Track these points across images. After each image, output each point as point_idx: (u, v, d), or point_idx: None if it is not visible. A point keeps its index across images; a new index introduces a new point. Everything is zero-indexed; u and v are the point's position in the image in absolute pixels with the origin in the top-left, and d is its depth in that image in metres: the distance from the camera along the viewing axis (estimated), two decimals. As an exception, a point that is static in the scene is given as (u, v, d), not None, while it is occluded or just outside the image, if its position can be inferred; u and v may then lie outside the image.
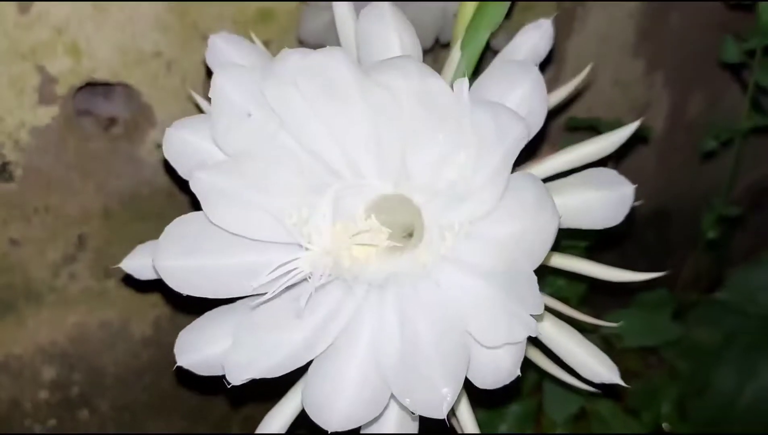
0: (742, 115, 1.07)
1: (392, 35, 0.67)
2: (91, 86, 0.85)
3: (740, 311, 1.07)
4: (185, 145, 0.67)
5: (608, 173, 0.68)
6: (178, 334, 0.94)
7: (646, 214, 1.39)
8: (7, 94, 0.78)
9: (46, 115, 0.81)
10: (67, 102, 0.82)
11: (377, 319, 0.67)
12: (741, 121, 1.06)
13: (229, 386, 0.64)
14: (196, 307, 0.69)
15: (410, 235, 0.70)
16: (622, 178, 0.68)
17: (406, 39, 0.67)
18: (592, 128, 1.09)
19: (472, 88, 0.63)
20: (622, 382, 0.69)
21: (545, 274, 0.95)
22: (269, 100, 0.64)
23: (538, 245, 0.60)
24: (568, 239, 0.94)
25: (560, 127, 1.20)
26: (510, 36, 0.94)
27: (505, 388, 0.62)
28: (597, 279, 1.07)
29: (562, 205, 0.64)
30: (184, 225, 0.66)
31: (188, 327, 0.68)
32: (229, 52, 0.70)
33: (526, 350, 0.74)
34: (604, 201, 0.67)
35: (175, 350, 0.67)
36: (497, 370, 0.61)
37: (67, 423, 0.95)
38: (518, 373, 0.60)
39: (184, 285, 0.66)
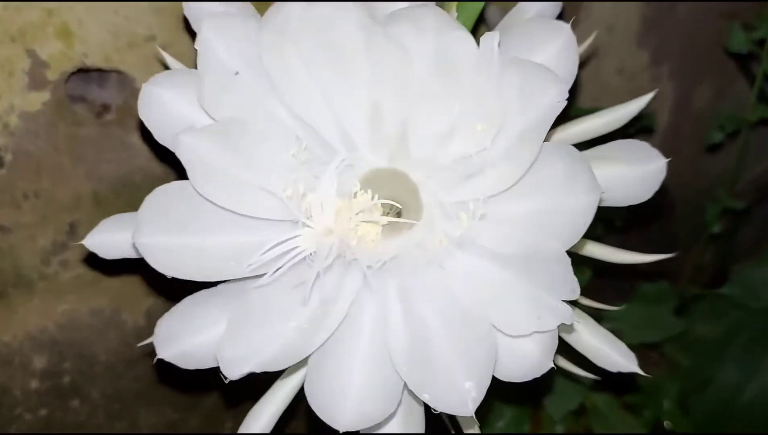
0: (749, 106, 1.05)
1: None
2: (85, 72, 0.83)
3: (743, 306, 1.05)
4: (164, 105, 0.60)
5: (640, 146, 0.63)
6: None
7: (650, 206, 1.38)
8: (-4, 77, 0.77)
9: (37, 100, 0.80)
10: (58, 87, 0.80)
11: (379, 307, 0.62)
12: (747, 113, 1.04)
13: (226, 381, 0.59)
14: (188, 294, 0.66)
15: (398, 214, 0.64)
16: (654, 151, 0.63)
17: None
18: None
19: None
20: (640, 371, 0.66)
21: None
22: (263, 58, 0.58)
23: (569, 225, 0.54)
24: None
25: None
26: (503, 11, 0.91)
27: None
28: (600, 269, 1.06)
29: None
30: (167, 196, 0.60)
31: (168, 313, 0.61)
32: (211, 5, 0.62)
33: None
34: (636, 175, 0.63)
35: (155, 340, 0.61)
36: (523, 361, 0.56)
37: (58, 412, 0.94)
38: (551, 364, 0.55)
39: (168, 266, 0.59)
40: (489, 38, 0.53)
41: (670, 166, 1.41)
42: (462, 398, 0.56)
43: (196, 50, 0.61)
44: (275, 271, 0.58)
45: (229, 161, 0.59)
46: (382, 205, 0.62)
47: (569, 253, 0.55)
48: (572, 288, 0.54)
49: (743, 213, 1.16)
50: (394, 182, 0.62)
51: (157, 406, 1.01)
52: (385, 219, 0.61)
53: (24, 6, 0.75)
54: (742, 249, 1.34)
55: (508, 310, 0.56)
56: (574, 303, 0.58)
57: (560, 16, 0.70)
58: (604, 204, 0.61)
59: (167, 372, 0.98)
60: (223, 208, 0.60)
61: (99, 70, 0.83)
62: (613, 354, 0.66)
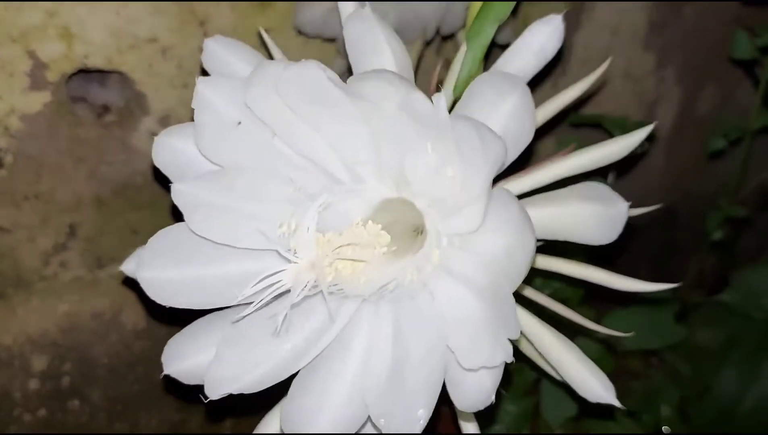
0: (753, 113, 1.04)
1: (382, 43, 0.64)
2: (86, 73, 0.83)
3: (744, 314, 1.05)
4: (175, 152, 0.66)
5: (601, 189, 0.64)
6: (171, 326, 0.93)
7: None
8: (-3, 78, 0.77)
9: (38, 101, 0.80)
10: (59, 88, 0.80)
11: (372, 331, 0.64)
12: (751, 120, 1.03)
13: (206, 401, 0.62)
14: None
15: (421, 232, 0.68)
16: (615, 195, 0.63)
17: (395, 46, 0.65)
18: (597, 125, 1.06)
19: (465, 94, 0.61)
20: (618, 403, 0.66)
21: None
22: (256, 112, 0.62)
23: (521, 264, 0.58)
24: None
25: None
26: (516, 31, 0.91)
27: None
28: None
29: (554, 218, 0.63)
30: (167, 236, 0.65)
31: (178, 334, 0.66)
32: (225, 56, 0.67)
33: (524, 349, 0.73)
34: (598, 217, 0.63)
35: (163, 358, 0.66)
36: (480, 392, 0.58)
37: (58, 413, 0.94)
38: (493, 399, 0.58)
39: (166, 297, 0.64)
40: (437, 99, 0.57)
41: (674, 170, 1.40)
42: (414, 425, 0.58)
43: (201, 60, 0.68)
44: (257, 304, 0.62)
45: (226, 201, 0.64)
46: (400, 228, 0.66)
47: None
48: (515, 327, 0.57)
49: (745, 220, 1.16)
50: (405, 210, 0.66)
51: (157, 407, 1.01)
52: (381, 249, 0.64)
53: (25, 7, 0.75)
54: (744, 255, 1.34)
55: (471, 340, 0.59)
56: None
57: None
58: (573, 240, 0.65)
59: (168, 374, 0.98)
60: (220, 244, 0.65)
61: (100, 71, 0.83)
62: (594, 383, 0.67)
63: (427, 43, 0.91)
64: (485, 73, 0.62)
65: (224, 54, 0.67)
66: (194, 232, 0.64)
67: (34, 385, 0.92)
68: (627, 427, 1.00)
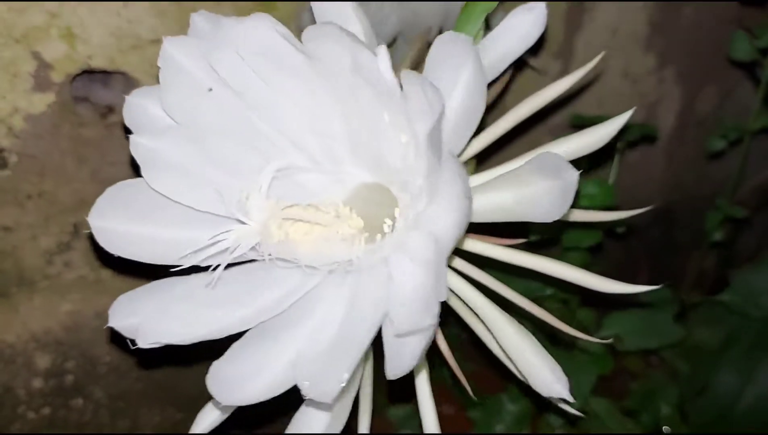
0: (752, 114, 1.05)
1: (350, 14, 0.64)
2: (90, 74, 0.83)
3: (742, 313, 1.05)
4: (146, 112, 0.67)
5: (553, 158, 0.60)
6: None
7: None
8: (0, 79, 0.77)
9: (42, 102, 0.80)
10: (63, 89, 0.81)
11: (330, 304, 0.64)
12: (750, 121, 1.04)
13: (133, 347, 0.62)
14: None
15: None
16: (566, 164, 0.59)
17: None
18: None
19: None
20: (570, 397, 0.65)
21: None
22: (221, 74, 0.62)
23: (459, 236, 0.58)
24: (570, 238, 0.92)
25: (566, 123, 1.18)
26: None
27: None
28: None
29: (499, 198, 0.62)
30: (125, 188, 0.66)
31: (131, 292, 0.66)
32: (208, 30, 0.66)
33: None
34: (546, 191, 0.61)
35: (110, 311, 0.66)
36: (412, 355, 0.57)
37: (61, 411, 0.95)
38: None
39: (115, 247, 0.65)
40: (380, 53, 0.56)
41: (674, 170, 1.40)
42: (335, 389, 0.57)
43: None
44: (198, 263, 0.64)
45: (187, 161, 0.65)
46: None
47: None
48: (446, 291, 0.57)
49: (744, 219, 1.16)
50: (382, 196, 0.66)
51: (160, 406, 1.02)
52: (308, 216, 0.64)
53: (28, 8, 0.75)
54: (743, 255, 1.34)
55: (411, 309, 0.58)
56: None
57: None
58: (519, 219, 0.63)
59: (171, 372, 0.99)
60: (177, 203, 0.65)
61: (103, 72, 0.84)
62: (549, 376, 0.65)
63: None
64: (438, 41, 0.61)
65: (207, 28, 0.66)
66: (151, 187, 0.64)
67: (38, 383, 0.92)
68: (625, 426, 1.01)
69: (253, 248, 0.65)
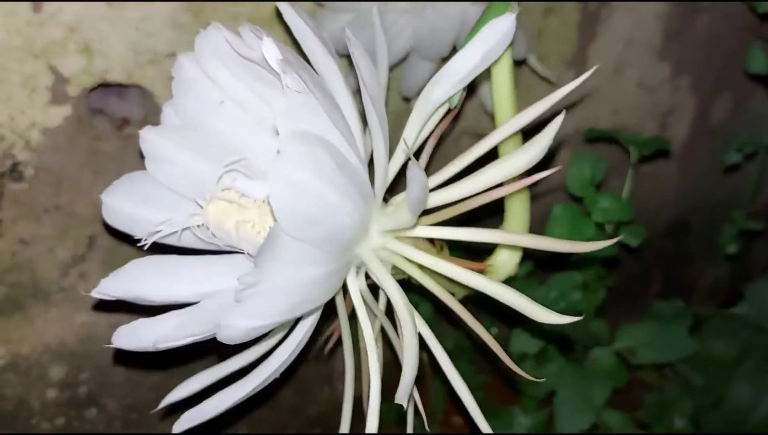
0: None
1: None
2: (105, 86, 0.83)
3: (757, 326, 1.05)
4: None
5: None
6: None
7: (666, 223, 1.37)
8: (18, 93, 0.77)
9: (58, 115, 0.80)
10: (79, 102, 0.81)
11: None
12: (765, 135, 1.03)
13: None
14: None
15: None
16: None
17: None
18: (612, 140, 1.06)
19: None
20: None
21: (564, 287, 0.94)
22: (208, 74, 0.68)
23: None
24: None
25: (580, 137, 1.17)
26: (524, 34, 0.90)
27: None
28: (614, 288, 1.04)
29: None
30: (135, 176, 0.72)
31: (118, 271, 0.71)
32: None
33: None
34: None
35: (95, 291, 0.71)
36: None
37: (75, 422, 0.95)
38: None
39: (115, 222, 0.72)
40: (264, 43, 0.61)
41: (687, 180, 1.40)
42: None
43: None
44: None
45: (178, 154, 0.71)
46: None
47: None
48: None
49: (759, 231, 1.16)
50: None
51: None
52: (239, 202, 0.69)
53: (46, 23, 0.76)
54: (757, 267, 1.34)
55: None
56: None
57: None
58: None
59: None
60: (170, 189, 0.72)
61: (120, 85, 0.84)
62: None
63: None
64: None
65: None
66: (152, 176, 0.71)
67: (52, 394, 0.93)
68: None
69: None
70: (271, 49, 0.59)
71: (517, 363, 1.06)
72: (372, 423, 0.66)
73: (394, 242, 0.67)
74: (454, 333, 1.06)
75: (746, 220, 1.09)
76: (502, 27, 0.65)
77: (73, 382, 0.93)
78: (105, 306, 0.74)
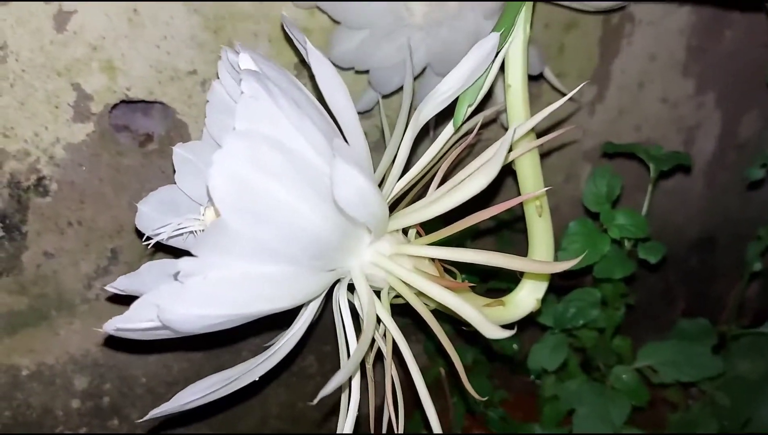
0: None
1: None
2: (129, 103, 0.85)
3: (785, 346, 1.02)
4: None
5: None
6: (207, 350, 0.96)
7: (691, 238, 1.35)
8: (42, 109, 0.80)
9: (81, 131, 0.82)
10: (102, 119, 0.83)
11: None
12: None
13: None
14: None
15: None
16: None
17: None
18: (630, 155, 1.05)
19: None
20: None
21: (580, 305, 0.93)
22: (232, 97, 0.73)
23: None
24: (601, 269, 0.91)
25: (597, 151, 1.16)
26: (538, 49, 0.91)
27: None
28: (637, 305, 1.03)
29: None
30: (167, 188, 0.78)
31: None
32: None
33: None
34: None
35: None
36: None
37: (97, 430, 0.96)
38: None
39: (144, 227, 0.77)
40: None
41: (713, 195, 1.37)
42: None
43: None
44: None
45: (199, 166, 0.77)
46: None
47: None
48: None
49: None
50: None
51: (194, 427, 1.03)
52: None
53: (69, 41, 0.78)
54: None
55: None
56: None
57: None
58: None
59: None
60: (189, 197, 0.77)
61: (144, 102, 0.86)
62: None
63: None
64: None
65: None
66: (178, 187, 0.77)
67: (76, 403, 0.94)
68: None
69: None
70: (245, 62, 0.63)
71: (536, 379, 1.06)
72: (345, 424, 0.70)
73: (380, 257, 0.67)
74: (473, 349, 1.06)
75: (774, 238, 1.07)
76: (486, 47, 0.68)
77: (96, 392, 0.95)
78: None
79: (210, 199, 0.65)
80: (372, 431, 0.79)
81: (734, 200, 1.32)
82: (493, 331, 0.62)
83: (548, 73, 1.00)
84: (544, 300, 0.77)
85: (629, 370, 0.94)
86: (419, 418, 1.04)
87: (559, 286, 0.94)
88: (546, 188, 0.71)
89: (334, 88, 0.64)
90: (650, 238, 0.90)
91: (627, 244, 0.91)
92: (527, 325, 0.88)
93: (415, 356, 0.69)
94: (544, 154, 1.16)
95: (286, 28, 0.71)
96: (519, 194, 0.75)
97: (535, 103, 1.09)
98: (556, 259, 0.83)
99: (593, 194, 0.89)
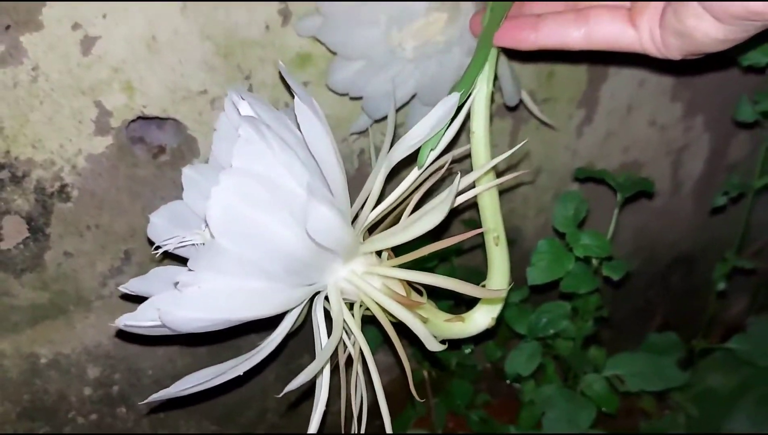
0: (756, 173, 1.09)
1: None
2: (144, 118, 0.93)
3: (750, 362, 1.08)
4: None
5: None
6: (213, 347, 1.04)
7: (673, 257, 1.40)
8: (68, 125, 0.88)
9: (101, 144, 0.91)
10: (120, 133, 0.91)
11: None
12: (754, 179, 1.08)
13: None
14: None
15: None
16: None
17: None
18: (600, 180, 1.12)
19: None
20: None
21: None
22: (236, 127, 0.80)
23: None
24: (568, 284, 0.98)
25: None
26: (515, 81, 0.98)
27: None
28: (612, 320, 1.10)
29: None
30: (177, 203, 0.88)
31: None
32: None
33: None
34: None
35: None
36: None
37: (107, 418, 1.05)
38: None
39: (154, 236, 0.86)
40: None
41: (702, 215, 1.42)
42: None
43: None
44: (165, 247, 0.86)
45: (205, 185, 0.85)
46: None
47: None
48: None
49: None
50: None
51: (196, 419, 1.11)
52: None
53: (94, 64, 0.86)
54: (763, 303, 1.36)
55: None
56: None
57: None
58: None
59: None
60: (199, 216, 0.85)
61: (158, 118, 0.94)
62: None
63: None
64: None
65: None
66: (185, 203, 0.86)
67: (88, 391, 1.03)
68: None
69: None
70: (245, 109, 0.74)
71: (513, 383, 1.13)
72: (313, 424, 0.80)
73: (353, 275, 0.79)
74: (457, 354, 1.13)
75: (738, 258, 1.13)
76: (448, 104, 0.78)
77: (107, 381, 1.03)
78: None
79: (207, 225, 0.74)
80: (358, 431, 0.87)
81: (719, 222, 1.38)
82: (432, 345, 0.75)
83: (527, 101, 1.07)
84: (521, 311, 0.85)
85: (600, 378, 1.00)
86: (407, 416, 1.11)
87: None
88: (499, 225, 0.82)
89: (317, 138, 0.74)
90: (613, 258, 0.97)
91: (594, 262, 0.98)
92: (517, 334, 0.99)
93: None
94: (535, 175, 1.23)
95: (283, 74, 0.80)
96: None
97: (524, 126, 1.16)
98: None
99: (562, 216, 0.97)
